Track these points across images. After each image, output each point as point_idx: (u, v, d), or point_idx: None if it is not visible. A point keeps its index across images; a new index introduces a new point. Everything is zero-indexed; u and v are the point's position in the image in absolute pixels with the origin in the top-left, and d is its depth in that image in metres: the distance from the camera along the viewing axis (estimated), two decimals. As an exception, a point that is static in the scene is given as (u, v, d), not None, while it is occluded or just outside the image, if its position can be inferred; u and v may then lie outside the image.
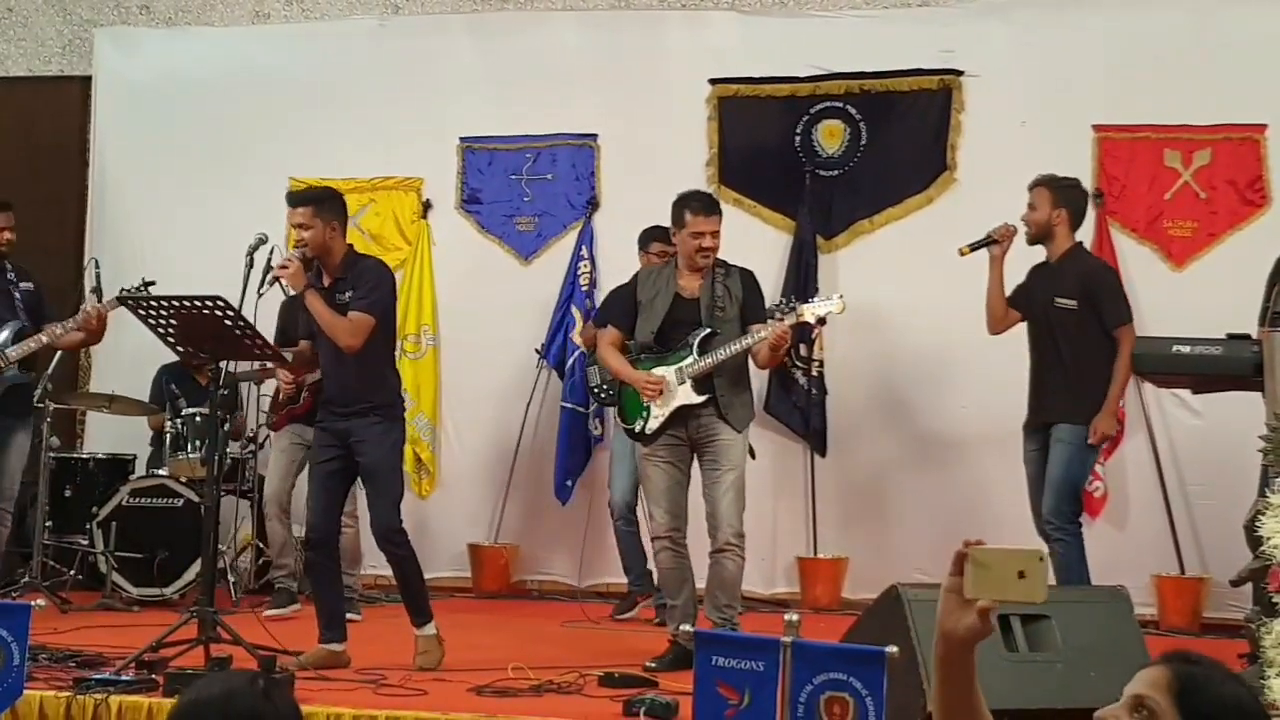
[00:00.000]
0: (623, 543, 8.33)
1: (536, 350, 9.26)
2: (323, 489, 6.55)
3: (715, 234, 6.70)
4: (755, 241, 8.87)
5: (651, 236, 7.89)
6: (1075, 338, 7.06)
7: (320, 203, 6.59)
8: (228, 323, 6.15)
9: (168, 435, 8.59)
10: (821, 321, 6.64)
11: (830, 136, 9.18)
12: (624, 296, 7.04)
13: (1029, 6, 8.95)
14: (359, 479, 6.64)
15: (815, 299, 6.81)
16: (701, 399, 6.59)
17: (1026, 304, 7.29)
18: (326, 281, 6.53)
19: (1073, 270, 7.17)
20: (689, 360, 6.62)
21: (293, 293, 6.69)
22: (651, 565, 7.38)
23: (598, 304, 9.05)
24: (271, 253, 6.82)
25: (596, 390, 8.40)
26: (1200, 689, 2.48)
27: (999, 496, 8.08)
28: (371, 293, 6.47)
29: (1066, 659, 4.71)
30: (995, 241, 7.24)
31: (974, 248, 7.28)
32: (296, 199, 6.77)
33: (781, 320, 6.47)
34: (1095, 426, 7.00)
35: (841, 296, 6.70)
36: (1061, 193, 7.17)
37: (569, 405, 9.12)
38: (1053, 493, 7.03)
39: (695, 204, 6.76)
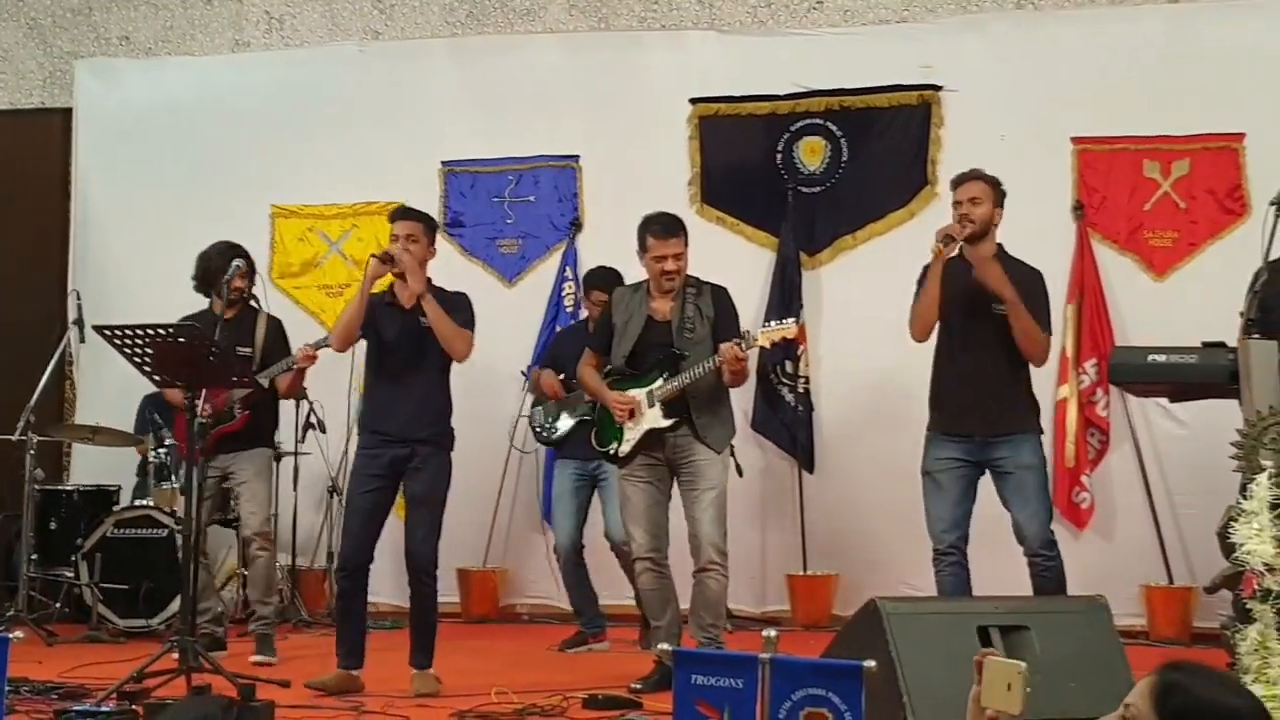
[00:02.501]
0: (569, 583, 8.14)
1: (522, 372, 9.25)
2: (364, 519, 6.52)
3: (678, 256, 6.65)
4: (738, 260, 8.89)
5: (590, 284, 7.94)
6: (1005, 344, 6.59)
7: (430, 224, 6.75)
8: (203, 351, 6.15)
9: (151, 465, 8.57)
10: (776, 346, 6.51)
11: (811, 153, 9.19)
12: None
13: (1006, 21, 8.98)
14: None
15: (771, 323, 6.68)
16: (669, 422, 6.58)
17: (946, 306, 6.74)
18: (409, 304, 6.58)
19: (1010, 274, 6.63)
20: (658, 383, 6.61)
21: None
22: (629, 598, 7.32)
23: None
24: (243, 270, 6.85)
25: (539, 430, 8.32)
26: (1178, 693, 2.49)
27: (986, 510, 8.03)
28: (470, 319, 6.65)
29: (1046, 670, 4.67)
30: (953, 239, 6.68)
31: (948, 249, 6.96)
32: (410, 213, 6.80)
33: (735, 344, 6.39)
34: (982, 272, 6.54)
35: (795, 320, 6.59)
36: (998, 192, 6.76)
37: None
38: (1038, 524, 6.64)
39: (656, 227, 6.70)
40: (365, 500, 6.54)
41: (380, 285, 6.69)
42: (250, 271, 7.65)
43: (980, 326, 6.69)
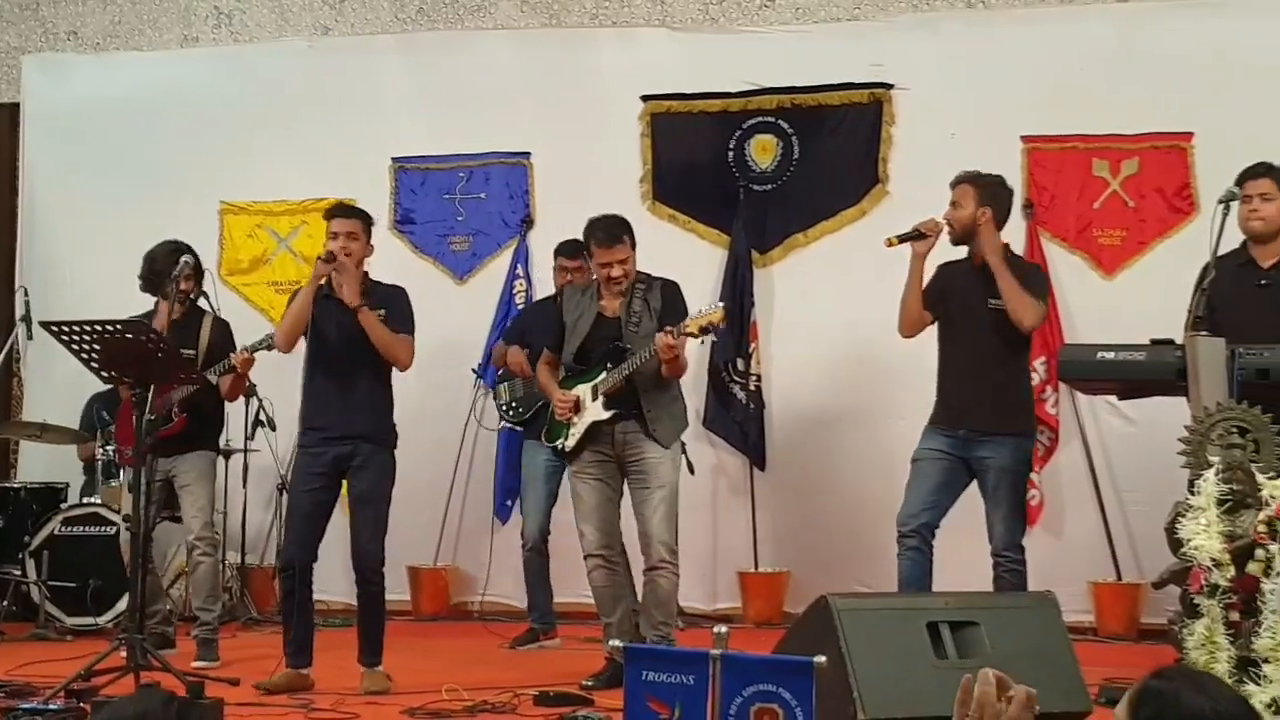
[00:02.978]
0: (529, 574, 8.12)
1: (473, 370, 9.23)
2: (308, 518, 6.49)
3: (622, 262, 6.64)
4: (690, 257, 8.89)
5: (559, 251, 7.95)
6: (1003, 342, 6.73)
7: (368, 220, 6.71)
8: (150, 347, 6.11)
9: (99, 463, 8.50)
10: (705, 331, 6.50)
11: (763, 151, 9.21)
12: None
13: (957, 20, 9.02)
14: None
15: (701, 309, 6.66)
16: (609, 414, 6.58)
17: (943, 304, 6.94)
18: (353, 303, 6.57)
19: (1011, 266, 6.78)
20: (602, 376, 6.62)
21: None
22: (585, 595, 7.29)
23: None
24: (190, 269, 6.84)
25: (504, 408, 8.34)
26: (1156, 701, 2.49)
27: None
28: (409, 318, 6.66)
29: (996, 665, 4.70)
30: (923, 235, 6.88)
31: (902, 239, 6.96)
32: (350, 211, 6.81)
33: (666, 332, 6.38)
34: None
35: (721, 304, 6.58)
36: (986, 190, 6.84)
37: (507, 425, 9.09)
38: (1006, 527, 6.72)
39: (599, 235, 6.69)
40: (308, 499, 6.51)
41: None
42: (197, 271, 7.57)
43: (978, 326, 6.79)
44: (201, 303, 7.65)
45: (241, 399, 8.35)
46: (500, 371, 8.49)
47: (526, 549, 8.08)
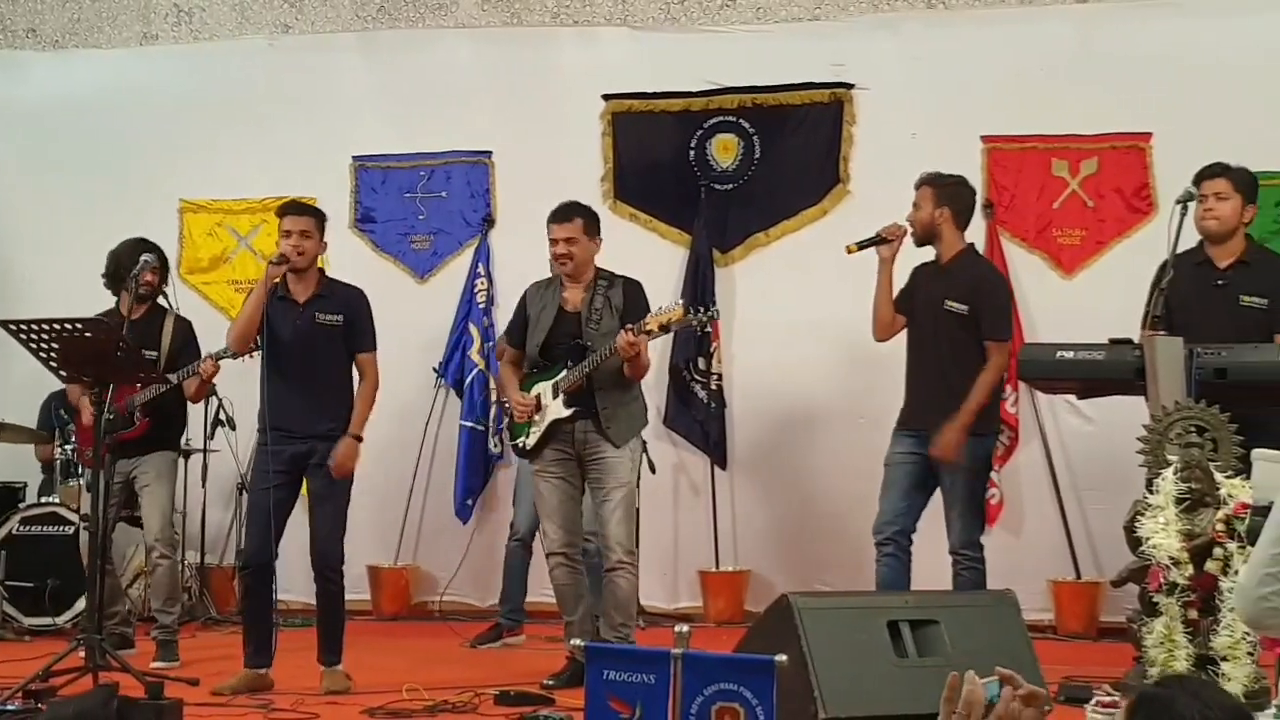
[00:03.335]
0: (510, 564, 8.12)
1: (434, 369, 9.21)
2: (267, 517, 6.40)
3: (569, 240, 6.67)
4: (651, 256, 8.89)
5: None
6: (962, 343, 6.79)
7: (320, 218, 6.68)
8: (111, 346, 6.07)
9: (58, 462, 8.45)
10: (666, 329, 6.53)
11: (724, 150, 9.21)
12: (518, 312, 7.01)
13: (918, 20, 9.03)
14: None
15: (661, 307, 6.68)
16: (569, 412, 6.57)
17: (910, 306, 7.05)
18: (301, 298, 6.57)
19: (965, 274, 6.91)
20: (563, 374, 6.62)
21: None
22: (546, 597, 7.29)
23: (496, 322, 9.05)
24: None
25: (506, 404, 8.32)
26: (1150, 707, 2.50)
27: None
28: (371, 330, 6.68)
29: (955, 663, 4.71)
30: (884, 240, 6.99)
31: (862, 246, 7.05)
32: (302, 208, 6.78)
33: (628, 330, 6.39)
34: (937, 441, 6.66)
35: (679, 302, 6.62)
36: (944, 190, 6.93)
37: (468, 424, 9.09)
38: (963, 524, 6.77)
39: (553, 213, 6.79)
40: (267, 498, 6.45)
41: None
42: (162, 268, 7.53)
43: (937, 327, 6.86)
44: (162, 301, 7.62)
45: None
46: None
47: (514, 539, 8.08)
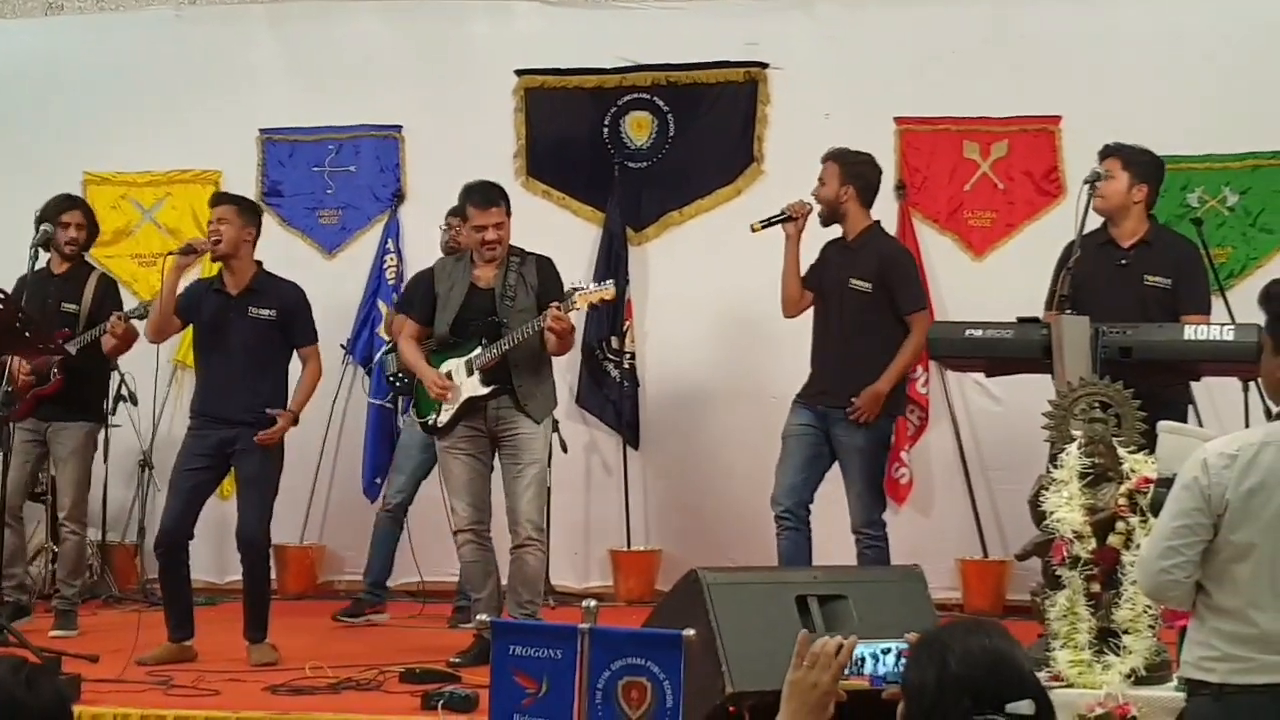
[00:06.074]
0: (378, 535, 8.09)
1: (342, 346, 9.09)
2: (184, 496, 6.63)
3: (498, 226, 6.65)
4: (565, 233, 8.83)
5: (452, 211, 7.79)
6: (866, 322, 6.88)
7: (241, 204, 6.83)
8: (7, 318, 6.00)
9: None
10: (595, 307, 6.57)
11: (638, 128, 9.17)
12: (423, 287, 6.95)
13: (833, 1, 9.02)
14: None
15: (590, 285, 6.72)
16: (487, 390, 6.54)
17: (818, 282, 7.10)
18: (234, 290, 6.68)
19: (870, 251, 6.99)
20: (477, 351, 6.56)
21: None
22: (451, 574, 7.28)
23: (406, 298, 8.95)
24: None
25: (392, 379, 8.27)
26: (930, 646, 2.63)
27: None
28: (311, 325, 6.92)
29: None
30: (789, 218, 7.03)
31: (766, 224, 7.10)
32: (223, 197, 6.99)
33: (556, 306, 6.39)
34: (858, 402, 6.74)
35: (611, 282, 6.68)
36: (849, 168, 6.97)
37: (376, 402, 8.99)
38: (863, 504, 6.84)
39: (475, 196, 6.72)
40: (189, 479, 6.66)
41: (211, 270, 6.85)
42: (87, 225, 7.63)
43: (842, 304, 6.93)
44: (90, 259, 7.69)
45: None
46: (389, 342, 8.41)
47: (384, 509, 8.03)
